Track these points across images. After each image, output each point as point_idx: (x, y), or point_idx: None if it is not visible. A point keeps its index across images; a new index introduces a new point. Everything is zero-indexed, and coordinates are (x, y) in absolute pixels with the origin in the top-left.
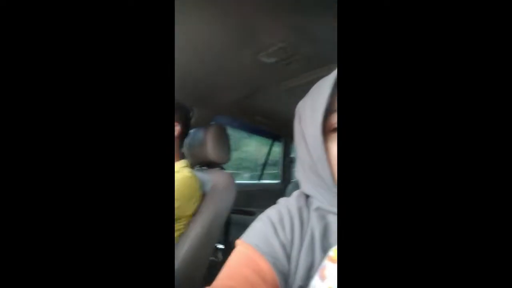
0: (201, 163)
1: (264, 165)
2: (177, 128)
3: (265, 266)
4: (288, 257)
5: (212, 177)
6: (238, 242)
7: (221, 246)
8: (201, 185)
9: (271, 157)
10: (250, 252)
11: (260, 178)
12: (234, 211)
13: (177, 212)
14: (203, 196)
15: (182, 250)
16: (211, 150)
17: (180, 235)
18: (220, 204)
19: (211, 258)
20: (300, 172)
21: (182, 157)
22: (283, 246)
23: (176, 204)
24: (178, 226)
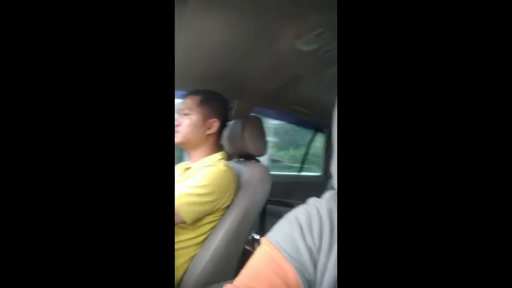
0: (238, 154)
1: (305, 156)
2: (215, 124)
3: (290, 272)
4: (315, 264)
5: (248, 169)
6: (264, 241)
7: (257, 237)
8: (237, 177)
9: (312, 149)
10: (275, 254)
11: (300, 170)
12: (271, 202)
13: (213, 205)
14: (238, 188)
15: (216, 240)
16: (247, 142)
17: (212, 228)
18: (254, 196)
19: (247, 247)
20: (335, 167)
21: (221, 149)
22: (310, 251)
23: (212, 197)
24: (213, 217)
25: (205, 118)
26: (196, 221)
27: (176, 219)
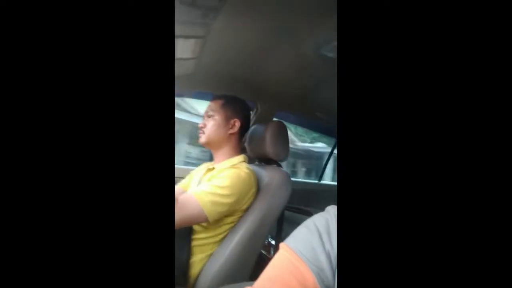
0: (259, 158)
1: (326, 164)
2: (237, 124)
3: (309, 276)
4: (334, 270)
5: (268, 174)
6: (282, 246)
7: (274, 242)
8: (257, 181)
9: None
10: (293, 259)
11: (320, 178)
12: (289, 208)
13: (233, 207)
14: (258, 191)
15: (233, 242)
16: (269, 147)
17: (231, 228)
18: (273, 201)
19: (263, 252)
20: None
21: (242, 151)
22: (329, 257)
23: (232, 199)
24: (232, 219)
25: (227, 118)
26: (216, 221)
27: (199, 218)
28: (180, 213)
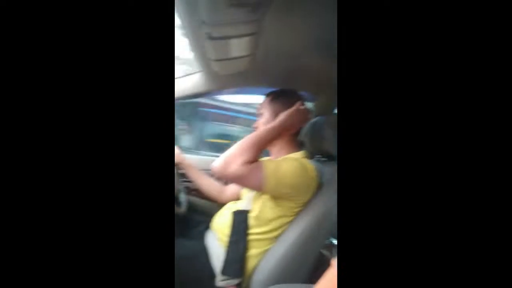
0: (320, 153)
1: None
2: None
3: None
4: None
5: (329, 170)
6: (333, 263)
7: (335, 242)
8: (319, 176)
9: None
10: None
11: None
12: None
13: (289, 189)
14: (319, 187)
15: (291, 239)
16: (329, 142)
17: (289, 224)
18: (334, 198)
19: (325, 252)
20: None
21: (301, 146)
22: None
23: (292, 180)
24: (289, 212)
25: (275, 114)
26: (275, 206)
27: (257, 182)
28: (245, 171)
